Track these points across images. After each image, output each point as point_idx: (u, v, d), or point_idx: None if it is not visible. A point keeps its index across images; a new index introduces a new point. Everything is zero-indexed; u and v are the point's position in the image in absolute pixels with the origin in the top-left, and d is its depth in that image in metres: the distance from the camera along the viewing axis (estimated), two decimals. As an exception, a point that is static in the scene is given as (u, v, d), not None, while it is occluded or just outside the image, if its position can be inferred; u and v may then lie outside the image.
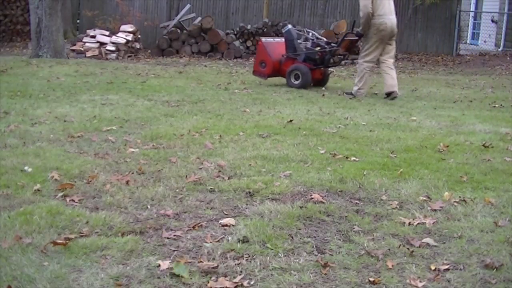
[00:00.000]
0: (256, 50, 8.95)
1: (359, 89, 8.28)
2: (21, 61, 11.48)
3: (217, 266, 2.61)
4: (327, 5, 16.73)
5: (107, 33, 13.83)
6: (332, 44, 9.13)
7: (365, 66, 8.25)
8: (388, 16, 8.16)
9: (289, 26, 9.54)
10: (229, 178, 3.96)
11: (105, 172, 4.03)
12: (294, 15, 16.68)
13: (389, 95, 8.11)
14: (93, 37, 13.67)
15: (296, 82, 8.89)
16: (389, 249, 2.87)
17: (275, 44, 9.39)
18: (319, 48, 9.10)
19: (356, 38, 8.95)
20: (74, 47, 13.74)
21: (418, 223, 3.21)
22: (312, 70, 8.94)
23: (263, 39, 9.49)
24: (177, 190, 3.70)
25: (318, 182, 3.91)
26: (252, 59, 13.81)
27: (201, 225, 3.12)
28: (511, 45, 17.85)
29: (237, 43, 14.37)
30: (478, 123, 6.28)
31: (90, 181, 3.78)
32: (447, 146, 5.01)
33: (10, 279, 2.43)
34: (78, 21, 16.79)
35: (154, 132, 5.33)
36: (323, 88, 9.07)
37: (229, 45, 14.14)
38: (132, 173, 4.02)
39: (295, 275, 2.58)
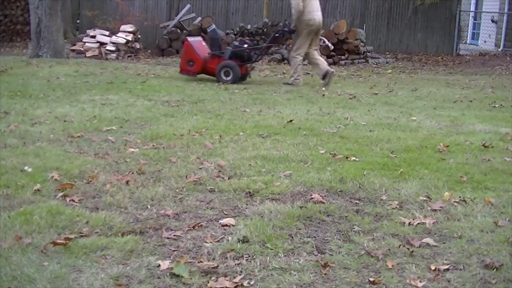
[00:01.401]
0: (182, 50, 9.14)
1: (295, 79, 9.27)
2: (21, 61, 11.48)
3: (217, 266, 2.61)
4: (327, 5, 16.73)
5: (107, 33, 13.83)
6: (258, 41, 9.73)
7: (299, 59, 9.19)
8: (316, 12, 9.07)
9: (214, 25, 9.92)
10: (229, 178, 3.96)
11: (105, 172, 4.03)
12: (294, 15, 16.67)
13: (326, 75, 9.19)
14: (93, 37, 13.67)
15: (227, 78, 9.22)
16: (389, 249, 2.87)
17: (201, 43, 9.79)
18: (246, 45, 9.60)
19: (280, 34, 9.77)
20: (74, 47, 13.74)
21: (418, 223, 3.21)
22: (240, 66, 9.39)
23: (189, 38, 9.77)
24: (177, 190, 3.70)
25: (318, 182, 3.91)
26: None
27: (201, 225, 3.12)
28: (511, 45, 17.85)
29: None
30: (478, 123, 6.28)
31: (90, 181, 3.78)
32: (447, 146, 5.00)
33: (10, 279, 2.43)
34: (78, 21, 16.79)
35: (154, 132, 5.33)
36: (322, 88, 9.08)
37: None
38: (132, 173, 4.02)
39: (295, 275, 2.58)
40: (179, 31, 14.49)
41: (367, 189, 3.82)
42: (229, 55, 9.31)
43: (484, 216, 3.33)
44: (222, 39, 10.08)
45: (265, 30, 14.89)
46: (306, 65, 10.22)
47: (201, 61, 9.28)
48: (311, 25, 9.00)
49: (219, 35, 9.70)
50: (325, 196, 3.66)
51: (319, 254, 2.80)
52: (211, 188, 3.75)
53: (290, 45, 9.86)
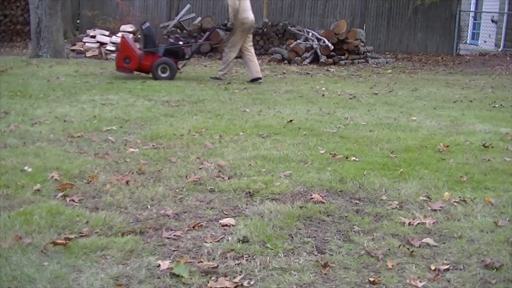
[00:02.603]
0: (118, 47, 9.12)
1: (224, 74, 9.67)
2: (21, 61, 11.47)
3: (217, 266, 2.62)
4: (327, 5, 16.73)
5: (107, 33, 13.81)
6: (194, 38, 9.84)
7: (232, 56, 9.59)
8: (249, 12, 9.47)
9: (148, 23, 9.91)
10: (229, 178, 3.96)
11: (105, 172, 4.03)
12: (294, 15, 16.68)
13: (256, 80, 9.48)
14: (93, 37, 13.65)
15: (164, 75, 9.27)
16: (389, 249, 2.87)
17: (133, 41, 9.86)
18: (181, 42, 9.71)
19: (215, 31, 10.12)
20: (74, 47, 13.73)
21: (418, 223, 3.21)
22: (174, 62, 9.51)
23: (126, 35, 9.81)
24: (177, 190, 3.70)
25: (318, 182, 3.91)
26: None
27: (201, 225, 3.12)
28: (511, 45, 17.85)
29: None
30: (478, 123, 6.28)
31: (90, 181, 3.78)
32: (447, 146, 5.01)
33: (10, 279, 2.43)
34: (78, 21, 16.78)
35: (154, 132, 5.33)
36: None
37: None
38: (132, 173, 4.02)
39: (295, 275, 2.58)
40: (179, 31, 14.49)
41: (367, 189, 3.82)
42: (163, 52, 9.34)
43: (484, 216, 3.33)
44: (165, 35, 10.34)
45: (265, 30, 14.89)
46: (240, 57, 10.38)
47: (137, 58, 9.23)
48: (245, 23, 9.38)
49: (152, 32, 9.82)
50: (325, 196, 3.66)
51: (319, 254, 2.80)
52: (211, 188, 3.75)
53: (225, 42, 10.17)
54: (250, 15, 9.42)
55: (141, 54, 9.39)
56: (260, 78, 9.57)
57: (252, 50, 9.74)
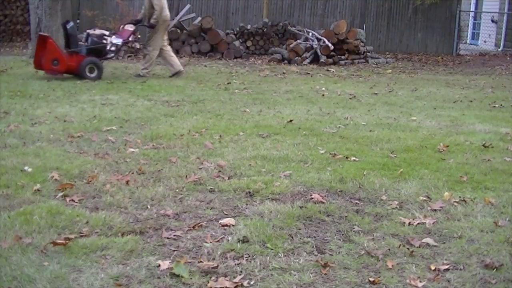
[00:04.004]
0: (45, 49, 8.88)
1: (148, 71, 9.86)
2: (21, 61, 11.48)
3: (217, 266, 2.61)
4: (327, 5, 16.72)
5: (107, 33, 13.80)
6: (117, 36, 9.74)
7: (156, 53, 9.81)
8: (168, 10, 9.90)
9: (71, 22, 9.74)
10: (229, 178, 3.96)
11: (105, 172, 4.03)
12: (294, 15, 16.68)
13: (178, 73, 9.84)
14: (93, 37, 13.63)
15: (92, 75, 9.11)
16: (389, 249, 2.87)
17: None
18: (105, 41, 9.60)
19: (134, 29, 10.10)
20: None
21: (418, 223, 3.21)
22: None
23: (51, 36, 9.54)
24: (177, 190, 3.70)
25: (318, 182, 3.91)
26: (253, 59, 13.80)
27: (201, 225, 3.12)
28: (511, 45, 17.85)
29: (237, 43, 14.37)
30: (478, 123, 6.28)
31: (90, 181, 3.78)
32: (447, 146, 5.01)
33: (10, 279, 2.43)
34: (78, 21, 16.77)
35: (154, 132, 5.33)
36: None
37: (229, 45, 14.13)
38: (132, 173, 4.02)
39: (295, 275, 2.58)
40: (179, 31, 14.48)
41: (367, 189, 3.82)
42: (86, 51, 9.18)
43: (484, 216, 3.33)
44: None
45: (265, 30, 14.89)
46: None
47: (65, 59, 8.97)
48: (166, 20, 9.78)
49: (76, 32, 9.69)
50: (325, 196, 3.66)
51: (319, 254, 2.80)
52: (211, 188, 3.75)
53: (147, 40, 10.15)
54: (168, 13, 9.90)
55: (66, 55, 9.15)
56: (181, 72, 9.94)
57: (169, 47, 10.13)
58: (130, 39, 10.20)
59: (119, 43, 9.69)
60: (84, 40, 9.63)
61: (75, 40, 9.25)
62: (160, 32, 9.72)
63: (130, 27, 9.94)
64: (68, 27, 9.26)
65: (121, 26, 10.33)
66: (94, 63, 9.16)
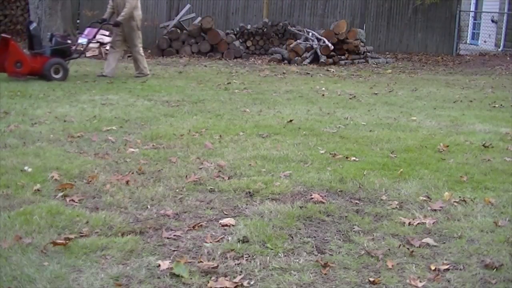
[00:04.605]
0: (7, 51, 8.70)
1: (146, 69, 9.91)
2: (21, 61, 11.45)
3: (217, 266, 2.61)
4: (327, 5, 16.72)
5: (107, 33, 13.79)
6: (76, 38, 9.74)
7: (141, 50, 9.84)
8: (140, 10, 9.85)
9: (34, 23, 9.64)
10: (229, 178, 3.96)
11: (105, 172, 4.03)
12: (294, 15, 16.67)
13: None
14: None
15: (57, 76, 8.93)
16: (389, 249, 2.87)
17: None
18: (70, 41, 9.57)
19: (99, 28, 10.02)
20: (74, 47, 13.69)
21: (418, 223, 3.21)
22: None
23: (13, 38, 9.43)
24: (177, 190, 3.70)
25: (318, 182, 3.91)
26: (253, 59, 13.80)
27: (201, 225, 3.12)
28: (511, 45, 17.84)
29: (237, 43, 14.37)
30: (478, 123, 6.28)
31: (90, 181, 3.78)
32: (447, 146, 5.01)
33: (10, 279, 2.43)
34: (78, 21, 16.77)
35: (154, 132, 5.33)
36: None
37: (229, 45, 14.13)
38: (132, 173, 4.02)
39: (295, 275, 2.58)
40: (179, 31, 14.48)
41: (367, 189, 3.82)
42: (50, 52, 8.98)
43: (484, 216, 3.33)
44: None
45: (265, 30, 14.89)
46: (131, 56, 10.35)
47: (28, 61, 8.75)
48: (140, 19, 9.78)
49: (40, 33, 9.60)
50: (325, 196, 3.66)
51: (319, 254, 2.80)
52: (211, 188, 3.75)
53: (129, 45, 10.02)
54: (141, 13, 9.87)
55: (29, 57, 8.96)
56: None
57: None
58: (95, 38, 10.12)
59: (84, 43, 9.57)
60: (48, 40, 9.46)
61: (38, 41, 9.07)
62: (135, 31, 9.64)
63: (95, 27, 9.81)
64: (31, 28, 9.11)
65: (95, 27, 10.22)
66: (59, 64, 8.95)
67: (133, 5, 9.53)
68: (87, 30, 9.91)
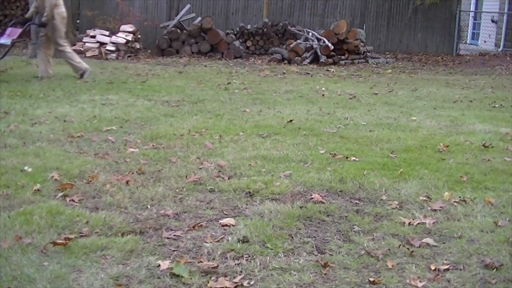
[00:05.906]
0: None
1: (84, 67, 9.36)
2: (21, 61, 11.48)
3: (217, 266, 2.62)
4: (327, 5, 16.72)
5: (107, 33, 13.81)
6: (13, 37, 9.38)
7: (68, 48, 9.48)
8: (64, 7, 9.40)
9: None
10: (229, 178, 3.97)
11: (105, 172, 4.03)
12: (294, 15, 16.67)
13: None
14: (93, 37, 13.65)
15: None
16: (389, 249, 2.87)
17: None
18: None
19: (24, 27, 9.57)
20: (74, 47, 13.70)
21: (418, 223, 3.22)
22: None
23: None
24: (177, 190, 3.70)
25: (318, 182, 3.91)
26: (253, 59, 13.81)
27: (201, 225, 3.12)
28: (511, 45, 17.84)
29: (237, 43, 14.36)
30: (478, 123, 6.28)
31: (90, 181, 3.78)
32: (447, 146, 5.01)
33: (10, 279, 2.43)
34: (78, 21, 16.77)
35: (154, 132, 5.33)
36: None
37: (229, 45, 14.13)
38: (132, 173, 4.02)
39: (295, 275, 2.58)
40: (179, 31, 14.48)
41: (367, 189, 3.82)
42: None
43: (484, 216, 3.33)
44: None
45: (265, 30, 14.88)
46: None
47: None
48: (64, 17, 9.38)
49: None
50: (325, 196, 3.66)
51: (319, 254, 2.81)
52: (211, 188, 3.75)
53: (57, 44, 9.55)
54: (65, 9, 9.47)
55: None
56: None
57: (53, 50, 9.65)
58: (15, 39, 9.57)
59: (8, 43, 9.31)
60: None
61: None
62: (59, 29, 9.22)
63: (17, 26, 9.51)
64: None
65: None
66: None
67: (53, 3, 9.12)
68: (9, 30, 9.47)
